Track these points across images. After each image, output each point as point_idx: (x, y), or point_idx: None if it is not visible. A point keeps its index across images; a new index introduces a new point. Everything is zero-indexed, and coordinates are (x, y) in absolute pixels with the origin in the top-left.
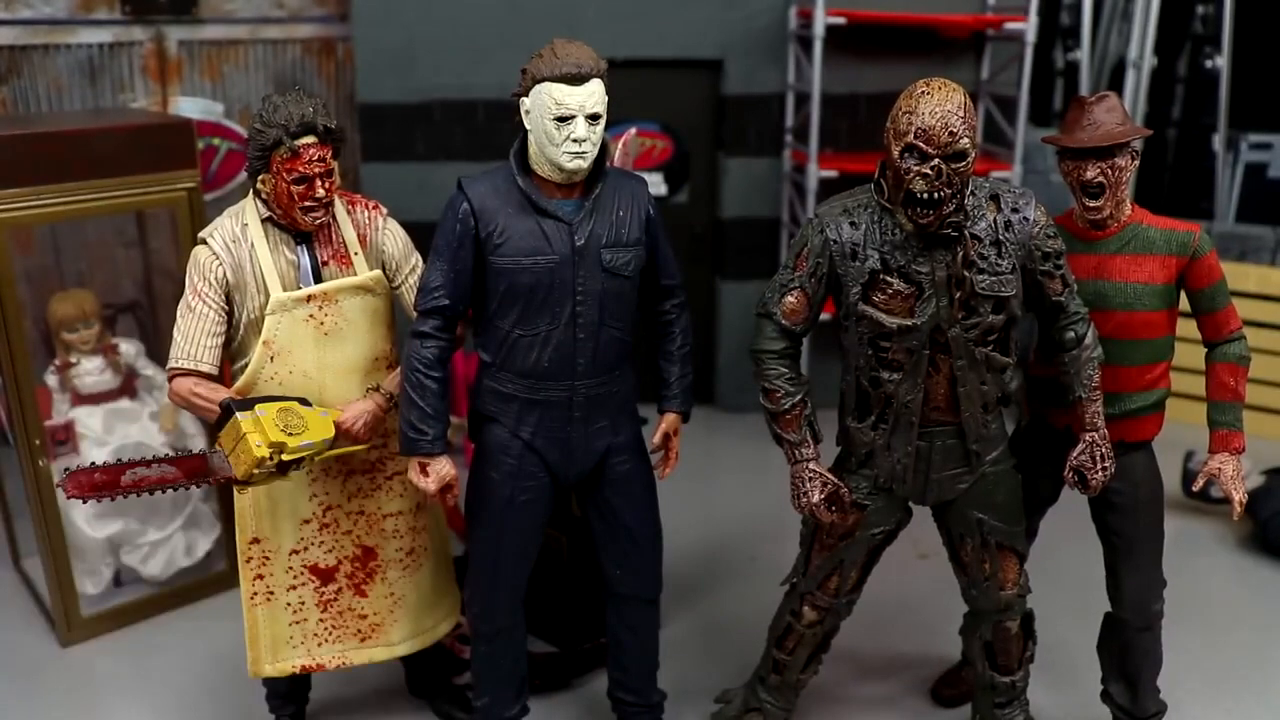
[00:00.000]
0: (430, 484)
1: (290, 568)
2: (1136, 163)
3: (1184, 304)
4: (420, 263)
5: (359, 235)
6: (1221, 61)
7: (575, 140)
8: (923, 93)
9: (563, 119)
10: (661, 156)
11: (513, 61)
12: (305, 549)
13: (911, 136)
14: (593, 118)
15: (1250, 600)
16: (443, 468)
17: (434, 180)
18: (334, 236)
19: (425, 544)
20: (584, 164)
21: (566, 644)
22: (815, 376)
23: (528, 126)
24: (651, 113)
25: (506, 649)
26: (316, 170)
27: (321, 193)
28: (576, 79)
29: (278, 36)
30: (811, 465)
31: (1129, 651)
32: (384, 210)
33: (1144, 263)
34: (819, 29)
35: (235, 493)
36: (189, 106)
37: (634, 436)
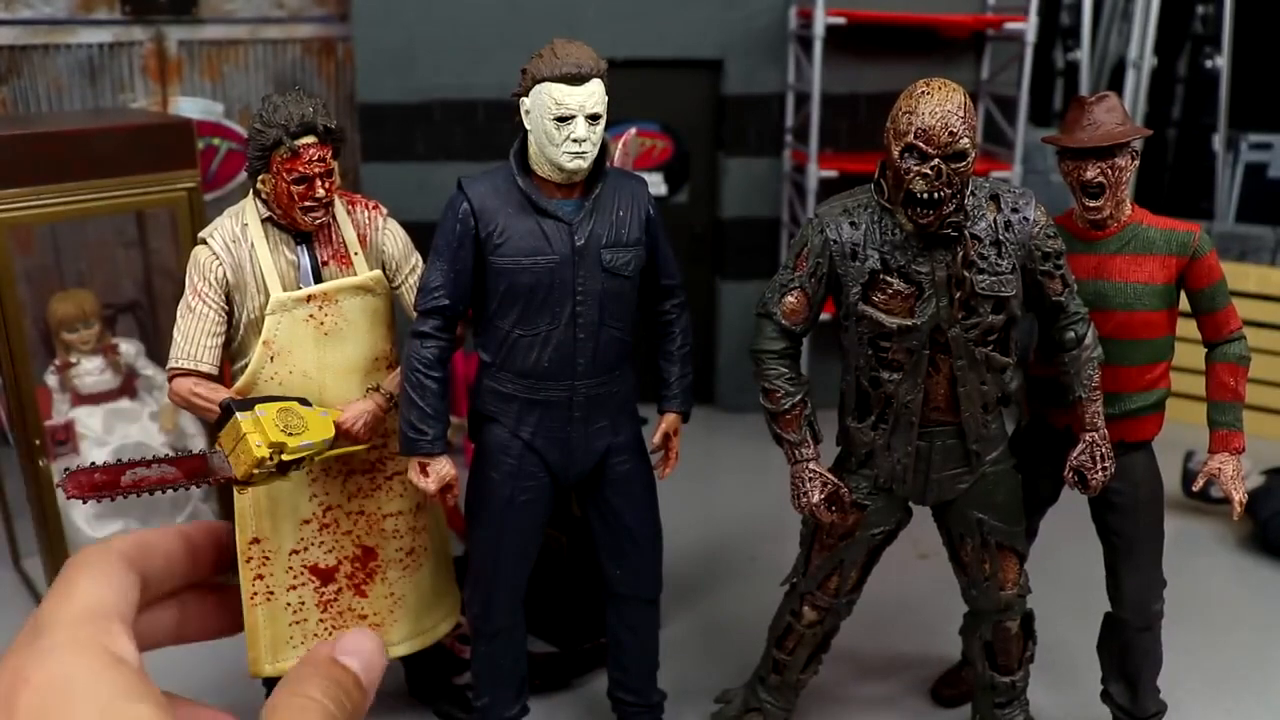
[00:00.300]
0: (430, 484)
1: (290, 568)
2: (1136, 163)
3: (1184, 304)
4: (420, 263)
5: (359, 235)
6: (1221, 61)
7: (575, 140)
8: (923, 93)
9: (563, 119)
10: (661, 156)
11: (513, 61)
12: (305, 549)
13: (911, 136)
14: (593, 118)
15: (1250, 600)
16: (443, 468)
17: (434, 180)
18: (334, 236)
19: (425, 544)
20: (584, 164)
21: (566, 644)
22: (815, 376)
23: (528, 126)
24: (651, 113)
25: (506, 649)
26: (316, 170)
27: (321, 193)
28: (576, 79)
29: (278, 36)
30: (811, 465)
31: (1129, 651)
32: (384, 210)
33: (1144, 263)
34: (819, 29)
35: (235, 493)
36: (189, 106)
37: (634, 436)
